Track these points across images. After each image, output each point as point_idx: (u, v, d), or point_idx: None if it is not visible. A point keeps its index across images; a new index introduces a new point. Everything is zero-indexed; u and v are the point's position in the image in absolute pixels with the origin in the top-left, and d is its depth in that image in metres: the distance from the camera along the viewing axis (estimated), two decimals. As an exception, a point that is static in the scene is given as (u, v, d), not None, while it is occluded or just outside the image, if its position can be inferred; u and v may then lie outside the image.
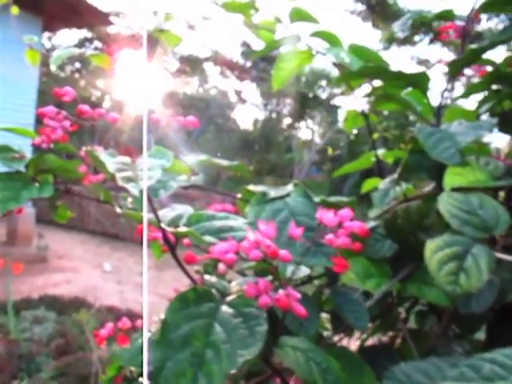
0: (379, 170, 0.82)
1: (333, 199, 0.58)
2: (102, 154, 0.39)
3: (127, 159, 0.39)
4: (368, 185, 1.01)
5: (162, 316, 0.31)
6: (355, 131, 12.97)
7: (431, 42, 11.82)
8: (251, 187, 0.58)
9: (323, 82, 13.58)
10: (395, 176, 0.62)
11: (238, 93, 15.32)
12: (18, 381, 2.82)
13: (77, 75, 13.85)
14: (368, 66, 0.59)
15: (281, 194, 0.51)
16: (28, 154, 0.55)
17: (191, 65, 14.71)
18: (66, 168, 0.51)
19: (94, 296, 4.51)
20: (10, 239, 5.88)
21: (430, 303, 0.62)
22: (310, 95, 13.12)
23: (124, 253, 7.15)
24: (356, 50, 0.69)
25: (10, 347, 3.15)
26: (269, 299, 0.28)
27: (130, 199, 0.63)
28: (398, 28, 0.63)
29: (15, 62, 5.41)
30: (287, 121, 14.13)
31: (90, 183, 0.49)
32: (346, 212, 0.31)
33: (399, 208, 0.52)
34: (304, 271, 0.39)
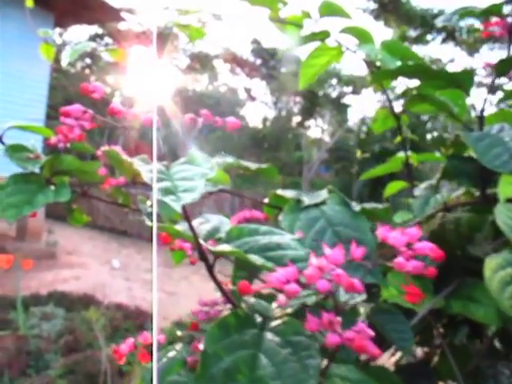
0: (408, 174, 0.78)
1: (368, 206, 0.54)
2: (135, 160, 0.35)
3: (161, 166, 0.35)
4: (392, 188, 0.97)
5: (202, 345, 0.27)
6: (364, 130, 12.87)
7: (443, 41, 11.69)
8: (280, 192, 0.54)
9: (334, 81, 13.49)
10: (433, 182, 0.58)
11: (248, 90, 15.28)
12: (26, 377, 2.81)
13: (87, 71, 13.89)
14: (408, 65, 0.54)
15: (315, 201, 0.47)
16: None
17: (201, 62, 14.69)
18: (84, 170, 0.47)
19: (103, 293, 4.51)
20: (19, 235, 5.89)
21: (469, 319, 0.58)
22: (320, 93, 13.05)
23: (132, 249, 7.15)
24: (389, 47, 0.64)
25: (19, 343, 3.14)
26: (338, 338, 0.24)
27: (148, 203, 0.60)
28: (442, 22, 0.59)
29: (26, 57, 5.42)
30: (297, 119, 14.07)
31: (110, 187, 0.45)
32: (414, 231, 0.27)
33: (448, 219, 0.48)
34: (361, 296, 0.35)
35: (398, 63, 0.64)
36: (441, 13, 9.49)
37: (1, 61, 5.26)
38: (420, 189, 0.59)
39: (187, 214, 0.34)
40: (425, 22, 9.56)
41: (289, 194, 0.53)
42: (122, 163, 0.48)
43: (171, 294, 4.98)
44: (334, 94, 13.48)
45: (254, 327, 0.29)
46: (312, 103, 12.93)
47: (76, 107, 0.37)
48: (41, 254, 5.71)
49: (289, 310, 0.32)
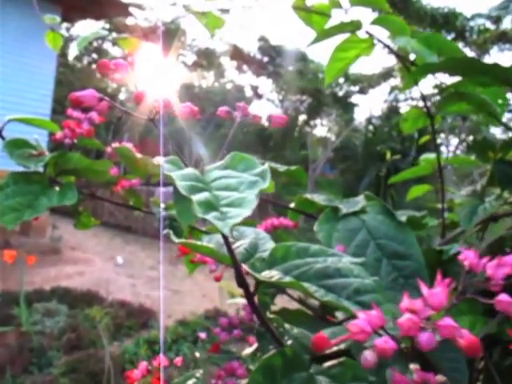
0: (440, 177, 0.73)
1: (402, 214, 0.48)
2: (164, 164, 0.30)
3: (195, 172, 0.30)
4: (416, 191, 0.91)
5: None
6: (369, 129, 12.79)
7: (453, 41, 11.58)
8: (308, 196, 0.49)
9: (341, 79, 13.42)
10: (477, 188, 0.53)
11: (254, 88, 15.21)
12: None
13: (93, 66, 13.86)
14: (454, 59, 0.49)
15: (354, 209, 0.41)
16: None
17: (208, 58, 14.64)
18: (93, 169, 0.42)
19: (107, 289, 4.46)
20: (23, 229, 5.87)
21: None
22: (327, 92, 12.97)
23: (136, 246, 7.11)
24: (426, 40, 0.59)
25: (22, 340, 3.11)
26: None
27: (162, 205, 0.54)
28: (495, 11, 0.53)
29: (33, 51, 5.39)
30: (303, 117, 13.99)
31: (122, 189, 0.40)
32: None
33: (508, 233, 0.42)
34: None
35: (435, 57, 0.58)
36: (451, 11, 9.38)
37: (7, 54, 5.23)
38: (461, 195, 0.54)
39: (227, 239, 0.28)
40: (435, 21, 9.45)
41: (318, 198, 0.47)
42: (135, 162, 0.42)
43: (175, 292, 4.94)
44: (340, 93, 13.40)
45: (303, 369, 0.24)
46: (318, 102, 12.85)
47: (90, 93, 0.32)
48: (45, 249, 5.69)
49: (342, 346, 0.26)
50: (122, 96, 12.46)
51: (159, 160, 0.41)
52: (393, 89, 12.76)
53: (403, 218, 0.40)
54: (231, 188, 0.28)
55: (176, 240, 0.31)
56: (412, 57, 0.68)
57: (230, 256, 0.28)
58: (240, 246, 0.32)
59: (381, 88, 13.32)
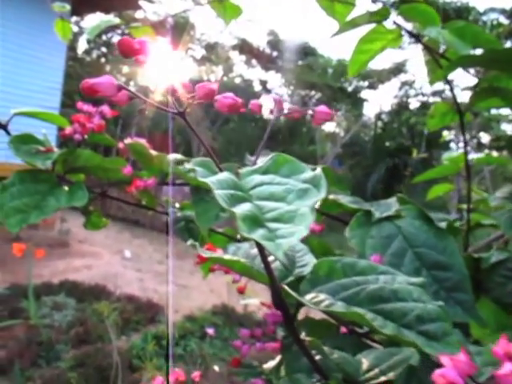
0: (468, 177, 0.69)
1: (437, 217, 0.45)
2: (196, 167, 0.27)
3: (231, 177, 0.26)
4: (437, 190, 0.87)
5: None
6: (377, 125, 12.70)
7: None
8: (334, 197, 0.45)
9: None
10: (514, 190, 0.49)
11: (263, 82, 15.14)
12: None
13: (103, 60, 13.87)
14: (495, 51, 0.45)
15: (388, 214, 0.38)
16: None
17: (217, 53, 14.59)
18: (105, 167, 0.39)
19: (114, 283, 4.46)
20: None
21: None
22: (336, 87, 12.88)
23: (144, 240, 7.10)
24: (459, 30, 0.55)
25: (30, 333, 3.11)
26: None
27: (177, 205, 0.51)
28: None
29: (42, 44, 5.38)
30: (311, 112, 13.89)
31: (137, 189, 0.37)
32: None
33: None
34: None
35: (469, 50, 0.54)
36: (464, 6, 9.25)
37: (16, 47, 5.22)
38: (497, 198, 0.50)
39: (263, 249, 0.25)
40: (447, 16, 9.32)
41: (345, 200, 0.44)
42: (149, 160, 0.39)
43: (183, 286, 4.92)
44: (350, 88, 13.31)
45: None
46: (328, 97, 12.77)
47: (107, 80, 0.28)
48: (53, 242, 5.70)
49: (391, 375, 0.23)
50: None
51: (171, 157, 0.37)
52: (403, 84, 12.64)
53: (443, 224, 0.36)
54: (277, 197, 0.24)
55: (201, 252, 0.28)
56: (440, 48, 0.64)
57: (268, 275, 0.24)
58: (275, 260, 0.28)
59: (391, 83, 13.21)
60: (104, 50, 14.00)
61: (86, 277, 4.56)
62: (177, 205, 0.51)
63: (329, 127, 14.34)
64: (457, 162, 0.67)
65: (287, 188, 0.25)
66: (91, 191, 0.43)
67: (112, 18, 0.59)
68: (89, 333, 3.18)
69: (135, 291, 4.41)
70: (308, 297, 0.25)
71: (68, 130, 0.39)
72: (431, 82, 0.68)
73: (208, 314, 3.89)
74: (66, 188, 0.38)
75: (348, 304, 0.23)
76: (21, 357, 2.83)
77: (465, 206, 0.84)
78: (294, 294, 0.24)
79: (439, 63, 0.59)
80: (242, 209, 0.23)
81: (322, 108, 0.36)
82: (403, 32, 0.59)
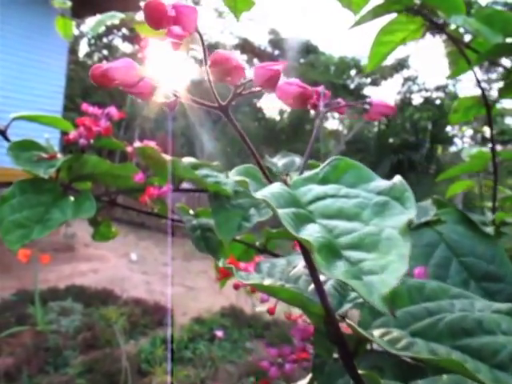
0: (494, 174, 0.65)
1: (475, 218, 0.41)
2: (246, 179, 0.23)
3: (284, 187, 0.22)
4: (455, 188, 0.84)
5: None
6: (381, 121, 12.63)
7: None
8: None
9: (352, 72, 13.29)
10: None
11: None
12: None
13: (104, 63, 13.88)
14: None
15: (427, 219, 0.34)
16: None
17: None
18: (114, 174, 0.36)
19: (121, 287, 4.44)
20: (37, 227, 5.87)
21: None
22: (339, 84, 12.84)
23: (150, 242, 7.08)
24: (488, 18, 0.51)
25: (37, 339, 3.09)
26: None
27: (191, 211, 0.48)
28: None
29: (43, 47, 5.36)
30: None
31: (150, 198, 0.33)
32: None
33: None
34: None
35: (500, 38, 0.51)
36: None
37: (17, 51, 5.21)
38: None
39: (315, 271, 0.21)
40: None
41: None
42: (162, 165, 0.36)
43: (190, 288, 4.90)
44: (352, 86, 13.26)
45: None
46: (330, 94, 12.70)
47: (125, 64, 0.24)
48: (59, 246, 5.69)
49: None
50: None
51: (186, 161, 0.33)
52: (406, 80, 12.58)
53: (489, 230, 0.33)
54: (347, 215, 0.19)
55: (238, 277, 0.24)
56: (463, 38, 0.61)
57: (324, 305, 0.20)
58: (325, 283, 0.24)
59: (393, 79, 13.14)
60: (105, 52, 14.00)
61: (92, 281, 4.53)
62: (191, 211, 0.47)
63: (332, 125, 14.30)
64: (482, 159, 0.63)
65: (359, 202, 0.20)
66: (99, 200, 0.40)
67: (115, 13, 0.56)
68: (97, 338, 3.16)
69: (142, 294, 4.38)
70: (376, 332, 0.21)
71: (72, 134, 0.36)
72: (454, 74, 0.65)
73: (216, 315, 3.86)
74: (72, 198, 0.34)
75: (425, 340, 0.19)
76: (28, 364, 2.81)
77: (488, 205, 0.80)
78: (361, 331, 0.20)
79: (465, 54, 0.55)
80: (311, 234, 0.18)
81: (380, 100, 0.32)
82: (427, 22, 0.55)
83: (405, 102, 12.48)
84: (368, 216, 0.20)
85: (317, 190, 0.22)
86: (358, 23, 0.56)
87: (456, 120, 0.65)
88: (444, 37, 0.64)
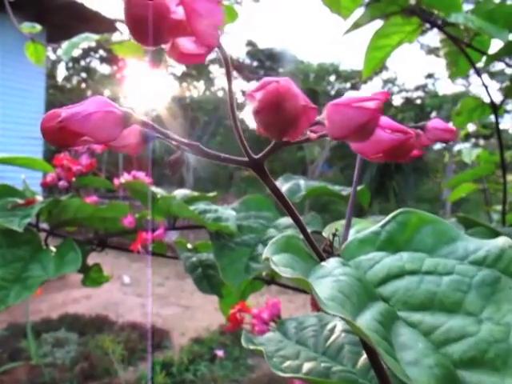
0: (503, 175, 0.62)
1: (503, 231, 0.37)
2: (291, 259, 0.17)
3: (350, 271, 0.16)
4: (461, 190, 0.80)
5: None
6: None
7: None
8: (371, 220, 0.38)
9: (332, 77, 13.39)
10: None
11: (246, 93, 15.14)
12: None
13: (83, 85, 13.80)
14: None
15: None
16: (37, 190, 0.35)
17: (197, 68, 14.60)
18: (100, 217, 0.31)
19: (116, 312, 4.34)
20: (26, 256, 5.75)
21: None
22: (319, 91, 12.92)
23: (142, 263, 6.96)
24: (490, 14, 0.48)
25: (32, 374, 2.99)
26: None
27: (189, 245, 0.44)
28: None
29: (20, 74, 5.29)
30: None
31: (143, 244, 0.29)
32: None
33: None
34: None
35: (507, 34, 0.47)
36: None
37: (-5, 80, 5.14)
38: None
39: (376, 357, 0.16)
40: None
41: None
42: (153, 200, 0.31)
43: (186, 307, 4.82)
44: (333, 91, 13.35)
45: None
46: (312, 101, 12.78)
47: (98, 105, 0.16)
48: (49, 275, 5.56)
49: None
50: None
51: (179, 195, 0.29)
52: (385, 82, 12.70)
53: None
54: (443, 304, 0.14)
55: (276, 370, 0.19)
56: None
57: None
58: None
59: (373, 82, 13.24)
60: (84, 75, 13.92)
61: (86, 308, 4.43)
62: (189, 245, 0.43)
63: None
64: (491, 162, 0.60)
65: (456, 282, 0.14)
66: (87, 243, 0.35)
67: (88, 35, 0.52)
68: (94, 367, 3.06)
69: (138, 318, 4.29)
70: None
71: (50, 176, 0.32)
72: (455, 74, 0.61)
73: (215, 334, 3.78)
74: (54, 250, 0.30)
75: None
76: (25, 400, 2.71)
77: (498, 208, 0.77)
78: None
79: (467, 54, 0.52)
80: (419, 361, 0.12)
81: (437, 123, 0.27)
82: (424, 23, 0.52)
83: (386, 104, 12.58)
84: (475, 304, 0.14)
85: (386, 262, 0.16)
86: (352, 28, 0.53)
87: (460, 123, 0.61)
88: (439, 36, 0.61)
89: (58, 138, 0.14)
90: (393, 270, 0.16)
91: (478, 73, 0.56)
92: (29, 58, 0.59)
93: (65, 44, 0.53)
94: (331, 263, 0.16)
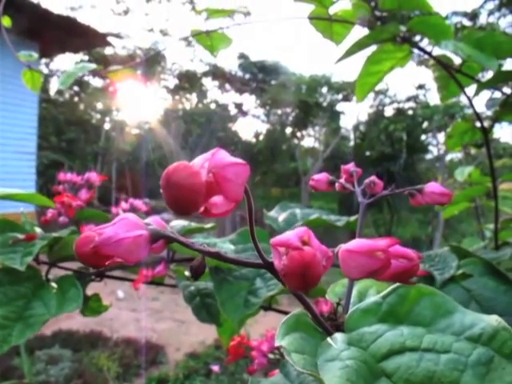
0: (495, 196, 0.63)
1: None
2: (299, 337, 0.17)
3: (359, 354, 0.17)
4: (451, 210, 0.81)
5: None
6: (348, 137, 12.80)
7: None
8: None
9: (324, 89, 13.48)
10: None
11: (239, 105, 15.19)
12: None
13: (76, 99, 13.80)
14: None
15: (449, 274, 0.31)
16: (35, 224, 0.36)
17: (190, 81, 14.65)
18: (100, 253, 0.31)
19: (110, 327, 4.30)
20: (18, 272, 5.70)
21: None
22: (312, 103, 13.00)
23: (136, 276, 6.93)
24: (479, 42, 0.49)
25: (26, 393, 2.94)
26: None
27: (187, 272, 0.44)
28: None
29: (14, 89, 5.29)
30: (290, 130, 14.01)
31: (145, 281, 0.30)
32: None
33: None
34: None
35: (495, 61, 0.49)
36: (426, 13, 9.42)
37: (-13, 96, 5.14)
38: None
39: None
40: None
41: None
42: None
43: (181, 322, 4.78)
44: (325, 103, 13.43)
45: None
46: (305, 113, 12.86)
47: (128, 226, 0.18)
48: (42, 290, 5.51)
49: None
50: (106, 126, 12.35)
51: (178, 226, 0.30)
52: (377, 93, 12.81)
53: (524, 281, 0.30)
54: (441, 382, 0.14)
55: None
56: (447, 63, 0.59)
57: None
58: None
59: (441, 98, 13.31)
60: (76, 88, 13.94)
61: (79, 324, 4.38)
62: (186, 273, 0.43)
63: (308, 142, 14.43)
64: (483, 185, 0.61)
65: (453, 361, 0.15)
66: (86, 275, 0.36)
67: (86, 64, 0.53)
68: (88, 385, 3.03)
69: (132, 333, 4.25)
70: None
71: (50, 213, 0.32)
72: (443, 99, 0.63)
73: (211, 348, 3.76)
74: (55, 286, 0.30)
75: None
76: (18, 420, 2.67)
77: (490, 226, 0.78)
78: None
79: (456, 79, 0.54)
80: None
81: (435, 187, 0.28)
82: (414, 49, 0.54)
83: (378, 115, 12.68)
84: (471, 383, 0.15)
85: (389, 336, 0.17)
86: (345, 56, 0.54)
87: (452, 145, 0.63)
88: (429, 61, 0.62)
89: (92, 261, 0.15)
90: (395, 346, 0.16)
91: (469, 98, 0.57)
92: (25, 84, 0.59)
93: (62, 75, 0.55)
94: (338, 343, 0.17)
